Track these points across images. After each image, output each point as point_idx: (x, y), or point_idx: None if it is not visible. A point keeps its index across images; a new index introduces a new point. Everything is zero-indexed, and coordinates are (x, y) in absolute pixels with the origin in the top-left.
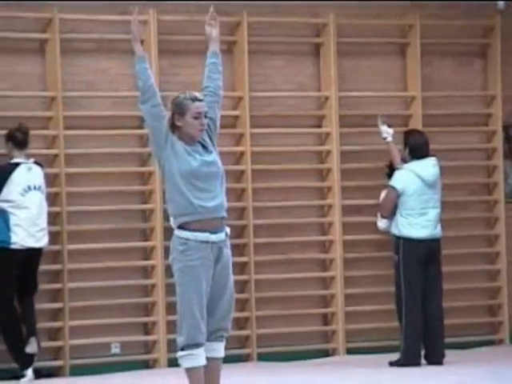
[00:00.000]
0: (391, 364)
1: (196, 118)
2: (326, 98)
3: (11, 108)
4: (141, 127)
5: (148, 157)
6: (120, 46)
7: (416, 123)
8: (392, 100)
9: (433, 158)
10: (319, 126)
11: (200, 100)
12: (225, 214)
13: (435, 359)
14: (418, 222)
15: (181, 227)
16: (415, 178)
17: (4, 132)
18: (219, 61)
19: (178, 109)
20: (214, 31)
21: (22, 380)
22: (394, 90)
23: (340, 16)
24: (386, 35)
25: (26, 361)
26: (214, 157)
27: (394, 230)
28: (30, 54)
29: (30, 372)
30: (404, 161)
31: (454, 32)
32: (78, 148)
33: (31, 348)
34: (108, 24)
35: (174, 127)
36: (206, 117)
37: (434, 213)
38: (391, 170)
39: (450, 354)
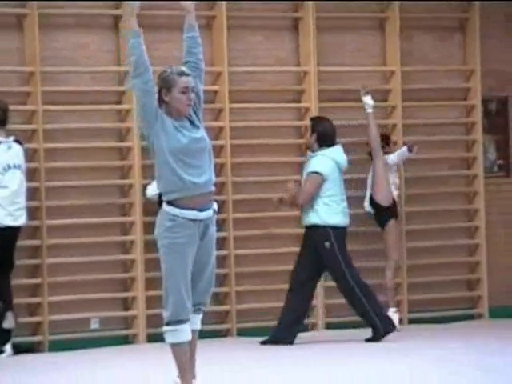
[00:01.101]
0: (368, 340)
1: (183, 92)
2: (305, 73)
3: None
4: (119, 102)
5: (127, 132)
6: (99, 21)
7: (395, 98)
8: (371, 75)
9: (340, 146)
10: (298, 101)
11: (187, 74)
12: (213, 188)
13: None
14: (340, 209)
15: (170, 203)
16: (333, 163)
17: None
18: (197, 33)
19: (165, 84)
20: (189, 3)
21: (1, 356)
22: (374, 65)
23: None
24: (365, 10)
25: (4, 336)
26: (201, 132)
27: (314, 219)
28: (8, 29)
29: (8, 347)
30: (310, 148)
31: (433, 6)
32: (57, 123)
33: (8, 323)
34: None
35: (161, 102)
36: (193, 91)
37: (345, 200)
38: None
39: (429, 328)
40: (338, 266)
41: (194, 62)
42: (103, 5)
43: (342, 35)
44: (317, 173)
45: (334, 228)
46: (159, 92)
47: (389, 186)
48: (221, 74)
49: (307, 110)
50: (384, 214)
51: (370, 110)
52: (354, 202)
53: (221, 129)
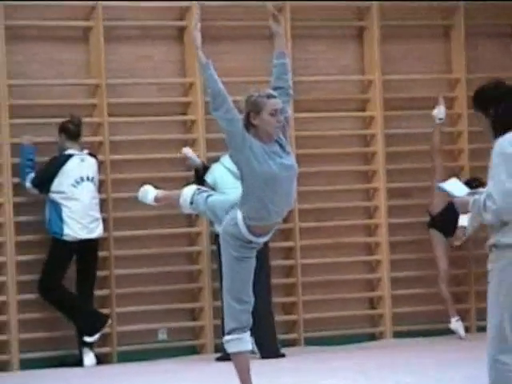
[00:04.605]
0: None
1: (272, 114)
2: (370, 82)
3: (56, 96)
4: (185, 113)
5: (192, 143)
6: (164, 32)
7: (461, 105)
8: (436, 82)
9: None
10: (363, 110)
11: (275, 97)
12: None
13: None
14: None
15: (245, 223)
16: (226, 171)
17: (49, 120)
18: (288, 60)
19: (254, 107)
20: (280, 28)
21: (86, 364)
22: (438, 73)
23: None
24: (429, 17)
25: (99, 321)
26: (291, 159)
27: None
28: (74, 42)
29: (91, 356)
30: None
31: (499, 13)
32: (123, 135)
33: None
34: (151, 10)
35: (249, 126)
36: (281, 113)
37: None
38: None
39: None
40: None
41: (285, 88)
42: (168, 16)
43: (407, 43)
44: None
45: None
46: (247, 115)
47: (441, 195)
48: None
49: (372, 118)
50: (430, 222)
51: (437, 121)
52: (419, 210)
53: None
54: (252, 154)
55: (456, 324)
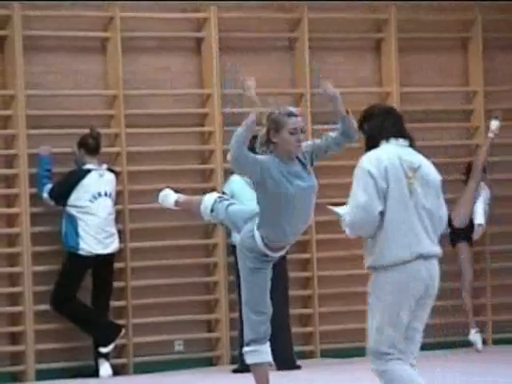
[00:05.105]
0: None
1: (292, 133)
2: (388, 94)
3: (73, 107)
4: (202, 124)
5: (210, 154)
6: (181, 43)
7: (478, 118)
8: (453, 95)
9: None
10: None
11: (296, 115)
12: None
13: None
14: None
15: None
16: (244, 183)
17: (66, 131)
18: (351, 122)
19: (274, 125)
20: (336, 91)
21: (102, 374)
22: (456, 85)
23: (401, 11)
24: (447, 30)
25: (113, 331)
26: (312, 178)
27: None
28: (92, 53)
29: (107, 367)
30: None
31: None
32: (140, 146)
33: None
34: (169, 22)
35: (269, 143)
36: (302, 132)
37: None
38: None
39: None
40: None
41: (338, 142)
42: (185, 27)
43: (424, 55)
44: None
45: None
46: (267, 133)
47: (468, 209)
48: (302, 95)
49: None
50: (456, 234)
51: (490, 135)
52: None
53: None
54: (269, 178)
55: (475, 336)
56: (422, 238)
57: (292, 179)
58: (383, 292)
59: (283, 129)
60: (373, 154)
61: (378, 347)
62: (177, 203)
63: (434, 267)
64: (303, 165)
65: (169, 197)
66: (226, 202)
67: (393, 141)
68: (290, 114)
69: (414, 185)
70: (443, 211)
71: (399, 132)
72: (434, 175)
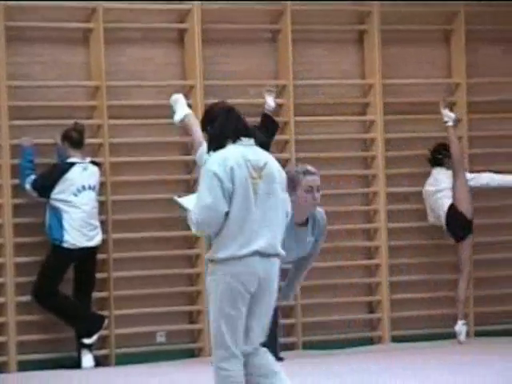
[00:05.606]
0: None
1: (308, 191)
2: (370, 86)
3: (56, 98)
4: None
5: (192, 146)
6: (164, 35)
7: (461, 110)
8: (436, 87)
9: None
10: (363, 114)
11: (312, 173)
12: None
13: None
14: None
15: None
16: None
17: (50, 121)
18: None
19: (291, 183)
20: None
21: (85, 365)
22: (439, 77)
23: (384, 3)
24: (430, 22)
25: (96, 322)
26: (309, 245)
27: None
28: (75, 44)
29: (90, 358)
30: None
31: (499, 18)
32: (123, 137)
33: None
34: (152, 13)
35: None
36: (318, 191)
37: None
38: (433, 155)
39: (497, 342)
40: None
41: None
42: (168, 19)
43: (407, 48)
44: None
45: None
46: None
47: (470, 198)
48: (285, 87)
49: (372, 122)
50: (465, 227)
51: (451, 123)
52: (418, 214)
53: (286, 142)
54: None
55: (461, 327)
56: (262, 236)
57: (295, 245)
58: (218, 285)
59: (299, 187)
60: (218, 155)
61: (215, 342)
62: (182, 122)
63: (273, 265)
64: (312, 227)
65: (179, 106)
66: None
67: (237, 141)
68: (307, 173)
69: (259, 184)
70: (288, 209)
71: (242, 131)
72: (280, 173)
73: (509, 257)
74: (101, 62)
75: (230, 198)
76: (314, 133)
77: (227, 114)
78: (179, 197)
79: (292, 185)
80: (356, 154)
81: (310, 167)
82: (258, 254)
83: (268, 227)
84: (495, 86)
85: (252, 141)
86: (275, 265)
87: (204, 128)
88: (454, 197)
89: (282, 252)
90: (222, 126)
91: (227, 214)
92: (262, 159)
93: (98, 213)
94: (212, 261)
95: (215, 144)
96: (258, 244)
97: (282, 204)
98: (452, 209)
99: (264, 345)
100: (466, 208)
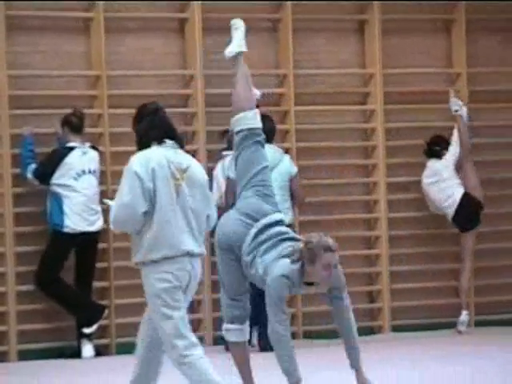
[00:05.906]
0: None
1: (326, 268)
2: (371, 76)
3: (56, 87)
4: (185, 106)
5: (192, 135)
6: (164, 24)
7: (461, 100)
8: (437, 77)
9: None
10: (364, 104)
11: (333, 251)
12: None
13: None
14: None
15: None
16: None
17: (50, 111)
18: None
19: (309, 255)
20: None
21: (85, 355)
22: (439, 67)
23: None
24: (430, 12)
25: (96, 312)
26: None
27: None
28: (75, 34)
29: (90, 348)
30: None
31: (499, 8)
32: (123, 127)
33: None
34: (152, 3)
35: (300, 263)
36: (335, 267)
37: None
38: (430, 147)
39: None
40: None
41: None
42: (168, 8)
43: (408, 37)
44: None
45: None
46: (300, 257)
47: (480, 189)
48: (286, 76)
49: (372, 112)
50: (475, 216)
51: (460, 111)
52: (418, 204)
53: (286, 132)
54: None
55: (464, 318)
56: (188, 237)
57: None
58: (154, 284)
59: (317, 262)
60: (142, 155)
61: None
62: (233, 56)
63: (197, 264)
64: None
65: (237, 38)
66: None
67: (162, 143)
68: (327, 249)
69: (182, 186)
70: (211, 210)
71: (167, 133)
72: (202, 175)
73: (509, 247)
74: (101, 52)
75: (151, 198)
76: (314, 122)
77: (153, 116)
78: (111, 199)
79: (311, 258)
80: (356, 143)
81: (331, 242)
82: (188, 254)
83: (192, 228)
84: (496, 75)
85: (176, 144)
86: (198, 264)
87: (134, 127)
88: (465, 185)
89: (205, 252)
90: (148, 127)
91: (151, 215)
92: (185, 162)
93: (98, 198)
94: (143, 263)
95: (141, 144)
96: (186, 245)
97: (203, 207)
98: (465, 197)
99: (264, 334)
100: (479, 195)
